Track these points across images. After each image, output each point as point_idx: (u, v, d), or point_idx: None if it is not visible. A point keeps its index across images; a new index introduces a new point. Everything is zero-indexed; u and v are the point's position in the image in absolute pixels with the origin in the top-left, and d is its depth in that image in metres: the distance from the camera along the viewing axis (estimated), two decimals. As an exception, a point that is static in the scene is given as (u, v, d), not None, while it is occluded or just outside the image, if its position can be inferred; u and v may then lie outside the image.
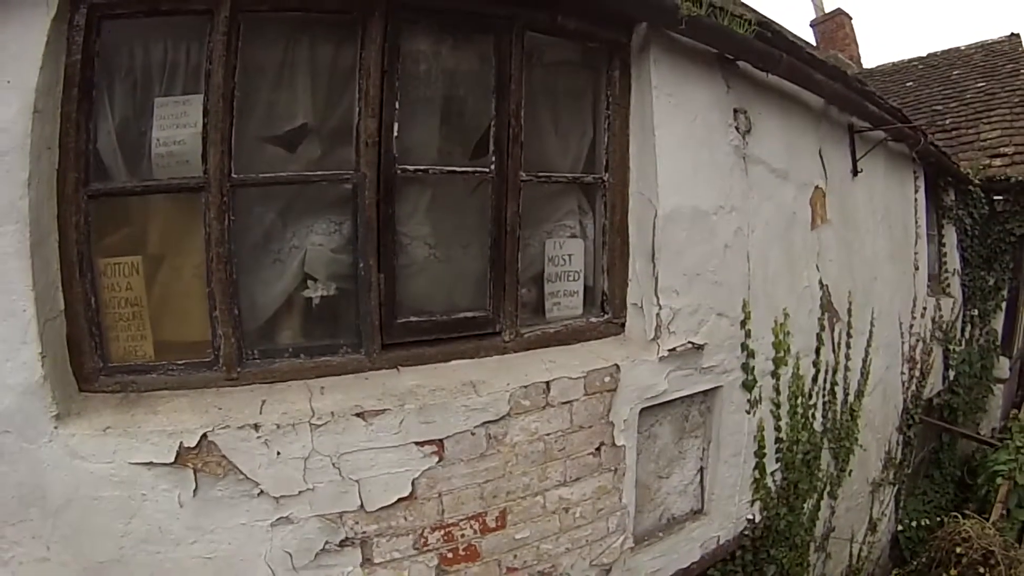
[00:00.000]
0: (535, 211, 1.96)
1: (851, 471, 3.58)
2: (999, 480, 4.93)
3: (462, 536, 1.66)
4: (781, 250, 2.65)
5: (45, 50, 1.27)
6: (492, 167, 1.77)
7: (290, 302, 1.64)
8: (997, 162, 6.79)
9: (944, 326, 5.69)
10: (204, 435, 1.36)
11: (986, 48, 9.48)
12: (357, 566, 1.54)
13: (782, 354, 2.61)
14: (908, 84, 9.55)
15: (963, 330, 6.42)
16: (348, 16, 1.56)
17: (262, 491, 1.41)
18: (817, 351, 2.98)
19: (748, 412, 2.47)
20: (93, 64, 1.37)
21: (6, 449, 1.33)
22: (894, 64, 10.71)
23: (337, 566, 1.52)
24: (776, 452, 2.74)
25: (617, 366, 1.88)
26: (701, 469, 2.41)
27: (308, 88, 1.63)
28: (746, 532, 2.62)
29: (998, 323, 7.02)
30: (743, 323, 2.37)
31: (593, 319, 2.02)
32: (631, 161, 2.08)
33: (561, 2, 1.77)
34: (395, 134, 1.61)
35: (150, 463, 1.36)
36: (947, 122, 7.90)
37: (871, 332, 3.74)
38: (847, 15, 13.17)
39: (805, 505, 3.06)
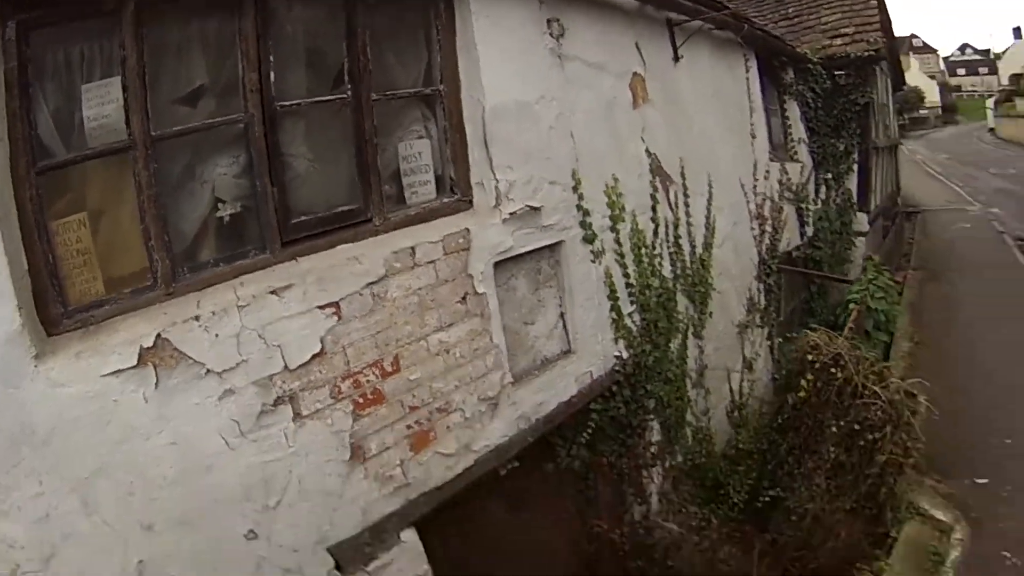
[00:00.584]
0: (388, 122, 2.50)
1: (711, 313, 4.45)
2: (851, 306, 6.10)
3: (367, 382, 2.23)
4: (605, 127, 3.33)
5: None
6: (349, 94, 2.31)
7: (207, 224, 2.09)
8: (838, 41, 7.95)
9: (794, 187, 6.75)
10: (158, 335, 1.80)
11: None
12: (290, 420, 2.03)
13: (618, 212, 3.35)
14: None
15: (818, 191, 7.60)
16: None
17: (208, 370, 1.87)
18: (653, 208, 3.74)
19: (593, 262, 3.20)
20: (27, 67, 1.71)
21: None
22: None
23: (275, 424, 2.01)
24: (629, 296, 3.50)
25: (468, 229, 2.51)
26: (562, 314, 3.12)
27: (201, 56, 2.06)
28: (617, 368, 3.39)
29: (852, 184, 8.29)
30: (575, 188, 3.07)
31: (445, 200, 2.63)
32: (461, 73, 2.65)
33: None
34: (272, 81, 2.10)
35: (117, 371, 1.74)
36: (790, 10, 9.02)
37: (710, 193, 4.55)
38: None
39: (671, 344, 3.90)
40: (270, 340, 1.99)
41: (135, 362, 1.77)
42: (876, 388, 3.45)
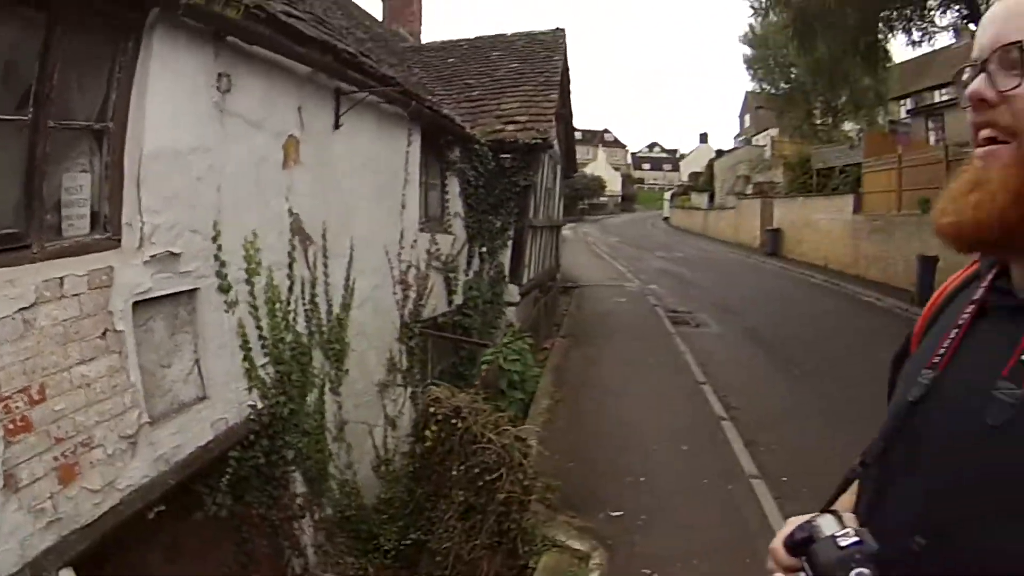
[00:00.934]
0: (59, 151, 3.55)
1: (347, 370, 6.15)
2: (483, 366, 8.39)
3: (17, 408, 3.14)
4: (252, 184, 4.84)
5: None
6: (30, 116, 3.30)
7: None
8: (511, 127, 11.23)
9: (444, 258, 9.28)
10: None
11: (530, 37, 14.85)
12: None
13: (253, 266, 4.84)
14: (451, 60, 14.49)
15: (471, 263, 10.46)
16: None
17: None
18: (291, 266, 5.33)
19: (228, 312, 4.59)
20: None
21: None
22: (443, 42, 16.06)
23: None
24: (262, 348, 4.94)
25: (111, 267, 3.67)
26: (197, 360, 4.38)
27: None
28: (252, 417, 4.77)
29: (506, 258, 11.34)
30: (215, 239, 4.46)
31: (97, 236, 3.75)
32: (130, 114, 3.86)
33: None
34: None
35: None
36: (475, 94, 12.55)
37: (351, 256, 6.32)
38: None
39: (308, 397, 5.45)
40: None
41: None
42: (491, 435, 5.38)
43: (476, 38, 15.52)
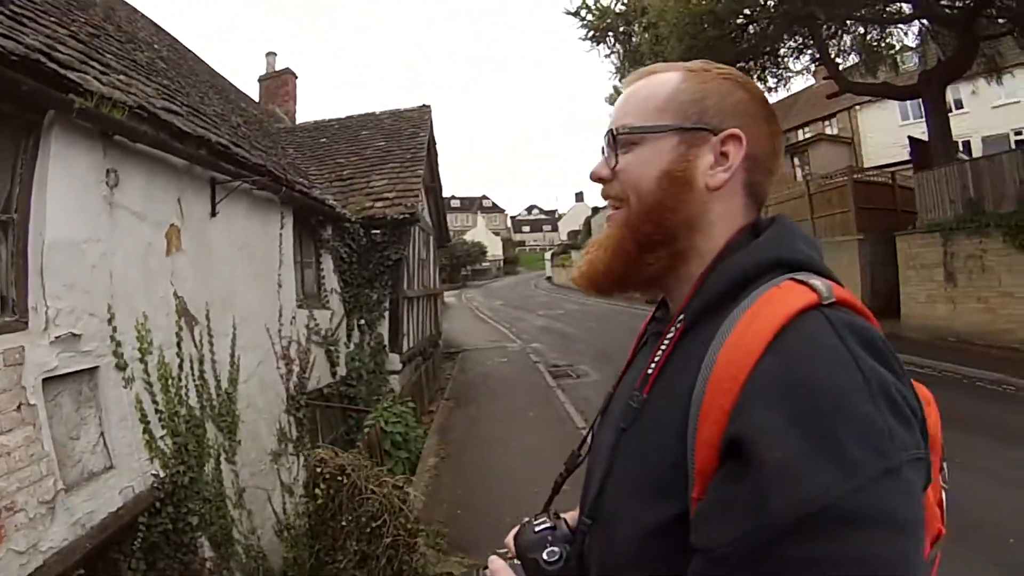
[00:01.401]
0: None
1: (240, 441, 6.61)
2: (367, 429, 8.93)
3: None
4: (140, 270, 5.38)
5: None
6: None
7: None
8: (380, 204, 12.08)
9: (323, 332, 9.91)
10: None
11: (397, 115, 15.88)
12: None
13: (145, 345, 5.33)
14: (323, 140, 15.46)
15: (351, 335, 11.13)
16: None
17: None
18: (179, 345, 5.83)
19: (125, 387, 5.07)
20: None
21: None
22: (316, 122, 17.01)
23: None
24: (159, 421, 5.40)
25: (23, 347, 4.15)
26: (102, 433, 4.81)
27: None
28: (156, 485, 5.21)
29: (384, 329, 11.93)
30: (110, 321, 4.98)
31: (7, 318, 4.21)
32: (32, 205, 4.39)
33: (3, 91, 3.96)
34: None
35: None
36: (346, 172, 13.43)
37: (234, 334, 6.88)
38: (293, 74, 20.43)
39: (205, 467, 5.87)
40: None
41: None
42: (373, 487, 5.95)
43: (347, 117, 16.44)
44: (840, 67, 18.25)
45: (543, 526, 1.28)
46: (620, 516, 1.06)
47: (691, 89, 1.16)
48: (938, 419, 1.10)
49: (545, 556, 1.22)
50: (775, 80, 19.02)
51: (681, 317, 1.09)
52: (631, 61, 18.31)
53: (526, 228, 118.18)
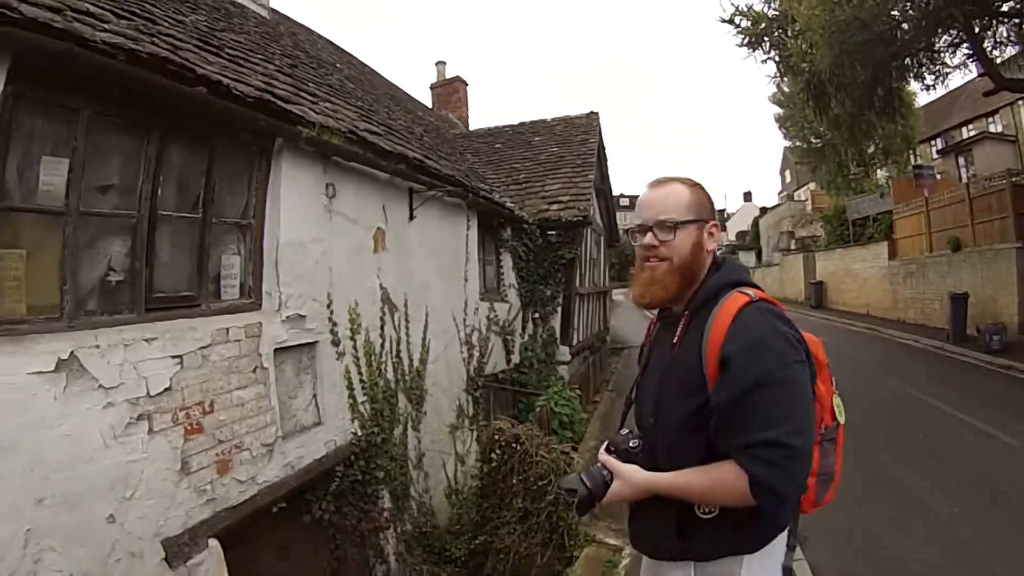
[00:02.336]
0: (217, 238, 4.67)
1: (425, 412, 7.07)
2: (538, 408, 9.23)
3: (194, 415, 4.15)
4: (353, 265, 5.90)
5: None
6: (200, 215, 4.46)
7: (101, 283, 3.90)
8: (554, 207, 12.15)
9: (501, 323, 10.20)
10: (72, 352, 3.49)
11: (567, 121, 15.65)
12: (146, 433, 3.68)
13: (355, 326, 5.84)
14: (497, 145, 15.43)
15: (525, 327, 11.37)
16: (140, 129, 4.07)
17: (100, 385, 3.56)
18: (381, 327, 6.33)
19: (337, 359, 5.59)
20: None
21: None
22: (489, 128, 16.95)
23: (136, 434, 3.56)
24: (362, 389, 5.91)
25: (260, 323, 4.72)
26: (315, 395, 5.38)
27: (118, 162, 3.91)
28: (353, 441, 5.71)
29: (557, 323, 12.11)
30: (328, 305, 5.51)
31: (245, 300, 4.81)
32: (267, 212, 4.99)
33: (242, 125, 4.57)
34: (159, 193, 4.15)
35: (39, 372, 3.03)
36: (521, 176, 13.42)
37: (426, 321, 7.34)
38: (463, 82, 20.45)
39: (395, 431, 6.35)
40: (140, 372, 3.80)
41: (53, 367, 3.16)
42: (543, 453, 6.22)
43: (519, 124, 16.43)
44: (997, 60, 15.59)
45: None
46: (669, 411, 1.94)
47: (696, 197, 2.03)
48: (822, 350, 2.09)
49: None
50: (932, 77, 16.33)
51: (687, 312, 2.00)
52: (786, 67, 16.88)
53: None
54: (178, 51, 4.19)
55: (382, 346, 6.37)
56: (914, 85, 17.70)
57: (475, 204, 9.04)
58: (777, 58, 16.87)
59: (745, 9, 16.65)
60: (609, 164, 15.85)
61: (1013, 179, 16.77)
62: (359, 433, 5.80)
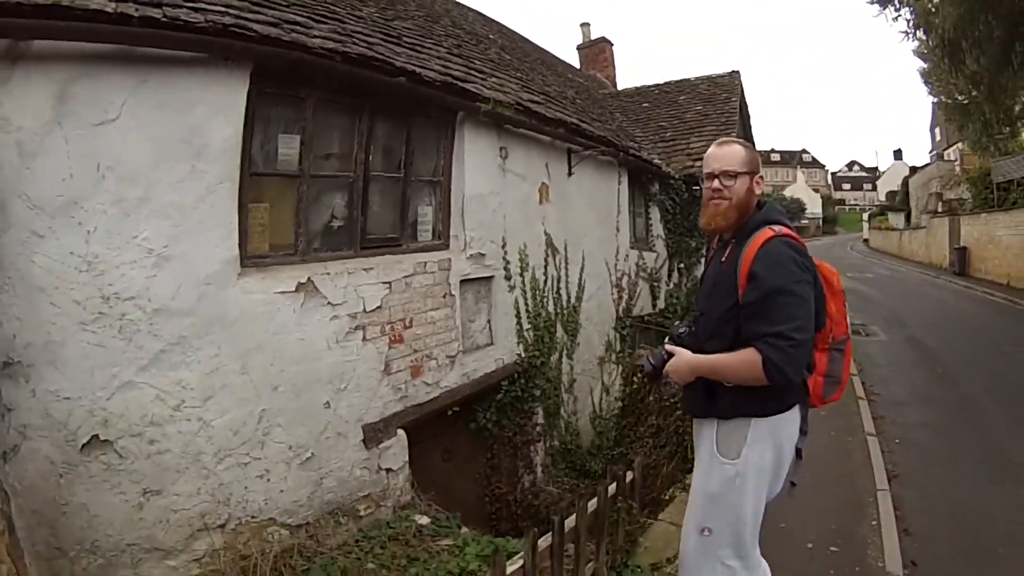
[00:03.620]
0: (414, 192, 5.09)
1: (579, 344, 7.28)
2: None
3: (397, 328, 4.63)
4: (522, 214, 6.17)
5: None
6: (401, 174, 4.90)
7: (327, 227, 4.44)
8: (700, 163, 11.28)
9: (649, 270, 10.07)
10: (309, 277, 4.05)
11: (710, 80, 14.46)
12: (360, 340, 4.30)
13: (524, 265, 6.13)
14: (644, 104, 14.46)
15: (671, 275, 11.09)
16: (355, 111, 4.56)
17: (328, 302, 4.12)
18: (545, 267, 6.58)
19: (508, 292, 5.91)
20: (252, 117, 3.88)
21: (208, 293, 3.33)
22: (636, 88, 15.85)
23: (352, 340, 4.24)
24: (527, 318, 6.22)
25: (449, 259, 5.12)
26: (489, 320, 5.77)
27: (337, 136, 4.46)
28: (517, 362, 6.04)
29: (699, 272, 11.72)
30: (502, 247, 5.81)
31: (436, 242, 5.23)
32: (453, 171, 5.34)
33: (431, 103, 4.95)
34: (370, 159, 4.64)
35: (284, 291, 3.77)
36: (667, 135, 12.63)
37: (583, 264, 7.50)
38: (609, 42, 18.87)
39: (552, 356, 6.62)
40: (359, 294, 4.31)
41: (294, 288, 3.76)
42: None
43: (665, 83, 15.26)
44: None
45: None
46: (712, 308, 2.40)
47: (750, 155, 2.45)
48: (838, 279, 2.46)
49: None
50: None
51: (734, 239, 2.39)
52: (917, 23, 14.54)
53: (846, 186, 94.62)
54: (373, 47, 4.54)
55: (545, 283, 6.62)
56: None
57: (625, 162, 8.93)
58: (908, 15, 14.54)
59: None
60: (759, 114, 14.92)
61: None
62: (523, 355, 6.12)
